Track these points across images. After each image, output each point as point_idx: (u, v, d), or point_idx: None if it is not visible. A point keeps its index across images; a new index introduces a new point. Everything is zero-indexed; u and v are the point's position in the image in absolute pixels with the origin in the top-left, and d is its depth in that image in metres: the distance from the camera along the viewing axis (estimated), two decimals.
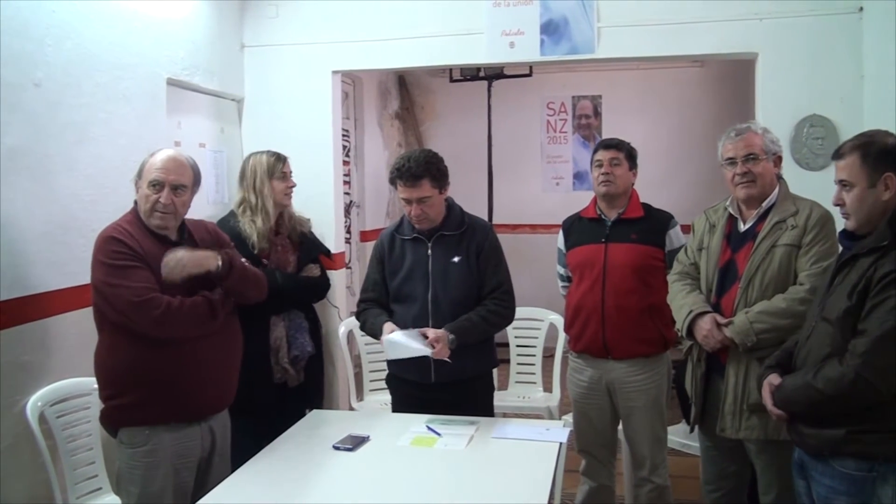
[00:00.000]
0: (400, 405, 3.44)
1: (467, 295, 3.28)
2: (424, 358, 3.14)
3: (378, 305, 3.40)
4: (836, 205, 2.42)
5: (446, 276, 3.28)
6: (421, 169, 3.20)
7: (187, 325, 2.81)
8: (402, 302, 3.34)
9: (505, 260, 3.43)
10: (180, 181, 2.89)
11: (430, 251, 3.31)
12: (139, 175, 2.90)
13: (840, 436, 2.26)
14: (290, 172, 3.98)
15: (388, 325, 3.23)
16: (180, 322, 2.78)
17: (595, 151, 3.58)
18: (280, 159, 3.92)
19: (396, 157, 3.33)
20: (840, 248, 2.53)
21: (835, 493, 2.29)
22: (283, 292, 3.67)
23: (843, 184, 2.38)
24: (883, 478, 2.21)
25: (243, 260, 3.12)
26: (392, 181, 3.28)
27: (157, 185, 2.84)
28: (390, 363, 3.33)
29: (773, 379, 2.50)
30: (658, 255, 3.45)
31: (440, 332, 3.13)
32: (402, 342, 3.11)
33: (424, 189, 3.21)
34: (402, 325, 3.24)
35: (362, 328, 3.48)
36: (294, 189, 3.99)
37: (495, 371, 4.71)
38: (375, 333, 3.32)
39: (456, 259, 3.29)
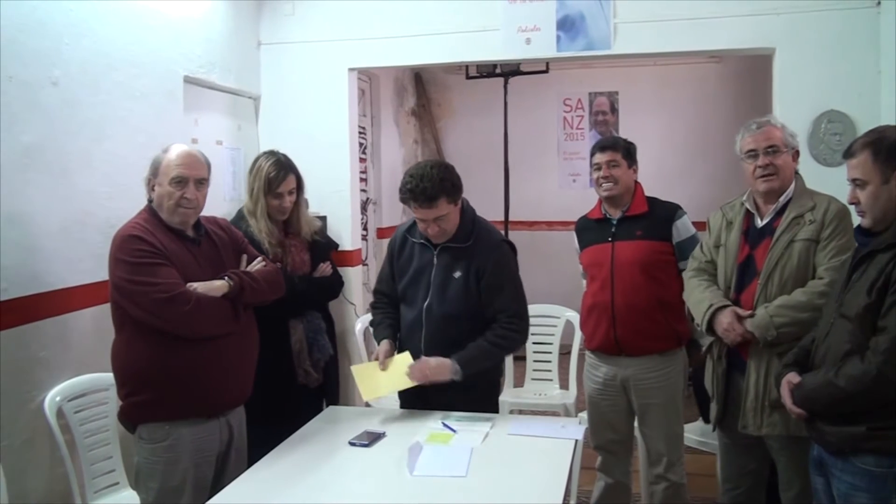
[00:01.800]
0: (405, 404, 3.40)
1: (462, 311, 3.17)
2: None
3: (388, 301, 3.42)
4: (852, 203, 2.41)
5: (444, 290, 3.20)
6: (436, 188, 3.04)
7: (213, 323, 2.82)
8: (406, 304, 3.33)
9: (516, 280, 3.27)
10: (201, 175, 2.91)
11: (435, 259, 3.24)
12: (154, 173, 2.89)
13: (861, 433, 2.24)
14: (294, 189, 3.69)
15: (385, 343, 3.30)
16: (207, 318, 2.79)
17: (592, 154, 3.54)
18: (280, 173, 3.62)
19: (405, 173, 3.13)
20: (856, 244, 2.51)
21: (855, 490, 2.28)
22: (301, 295, 3.67)
23: (856, 182, 2.36)
24: None
25: (260, 259, 3.14)
26: (404, 201, 3.13)
27: (181, 182, 2.84)
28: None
29: (792, 377, 2.48)
30: (666, 249, 3.41)
31: (440, 360, 3.09)
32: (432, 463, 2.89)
33: (441, 208, 3.08)
34: (404, 328, 3.29)
35: (371, 324, 3.50)
36: (294, 201, 3.72)
37: (509, 370, 4.75)
38: (377, 341, 3.37)
39: (457, 275, 3.18)
